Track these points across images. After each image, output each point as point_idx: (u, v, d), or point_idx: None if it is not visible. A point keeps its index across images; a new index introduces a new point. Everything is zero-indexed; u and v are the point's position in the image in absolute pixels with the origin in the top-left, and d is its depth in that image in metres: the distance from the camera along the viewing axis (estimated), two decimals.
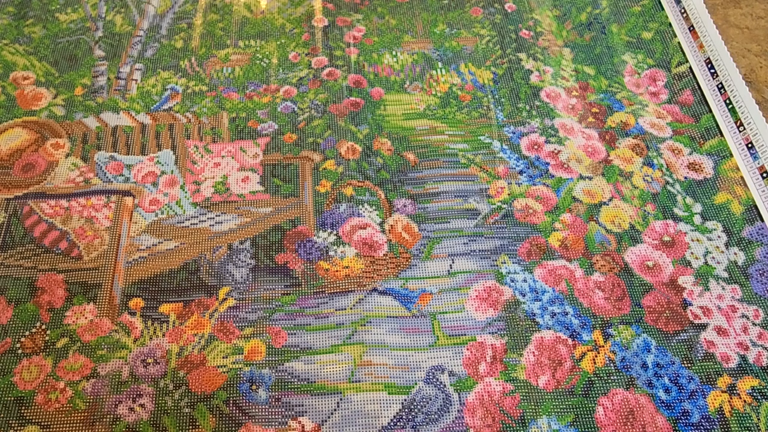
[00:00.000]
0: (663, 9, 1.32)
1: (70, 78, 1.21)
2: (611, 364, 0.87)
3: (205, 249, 1.00)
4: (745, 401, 0.84)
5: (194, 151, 1.12)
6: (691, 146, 1.11)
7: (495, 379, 0.86)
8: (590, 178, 1.08)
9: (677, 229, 1.01)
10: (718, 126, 1.12)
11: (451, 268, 0.98)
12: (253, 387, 0.86)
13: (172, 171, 1.09)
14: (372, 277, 0.97)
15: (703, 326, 0.91)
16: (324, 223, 1.03)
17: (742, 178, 1.06)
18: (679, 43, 1.25)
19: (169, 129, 1.15)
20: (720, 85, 1.17)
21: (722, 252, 0.98)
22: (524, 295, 0.94)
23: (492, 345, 0.89)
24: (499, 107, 1.18)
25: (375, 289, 0.96)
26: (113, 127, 1.14)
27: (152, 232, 1.02)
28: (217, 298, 0.94)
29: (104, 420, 0.83)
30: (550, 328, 0.91)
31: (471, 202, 1.05)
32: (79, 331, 0.90)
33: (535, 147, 1.12)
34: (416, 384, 0.86)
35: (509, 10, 1.34)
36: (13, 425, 0.82)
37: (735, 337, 0.89)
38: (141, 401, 0.84)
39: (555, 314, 0.92)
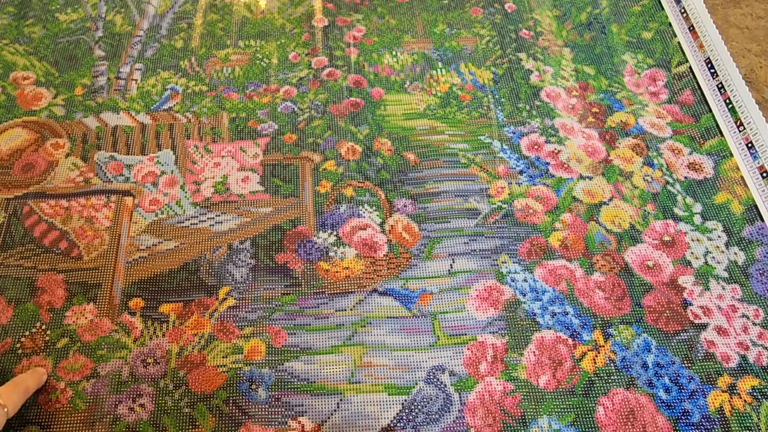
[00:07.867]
0: (663, 9, 1.32)
1: (70, 78, 1.21)
2: (611, 364, 0.87)
3: (205, 249, 1.00)
4: (745, 401, 0.84)
5: (194, 151, 1.12)
6: (691, 146, 1.11)
7: (496, 378, 0.86)
8: (590, 178, 1.08)
9: (677, 228, 1.01)
10: (718, 126, 1.12)
11: (451, 267, 0.98)
12: (253, 387, 0.86)
13: (172, 171, 1.09)
14: (372, 278, 0.97)
15: (704, 326, 0.91)
16: (324, 223, 1.03)
17: (742, 177, 1.06)
18: (679, 43, 1.25)
19: (169, 129, 1.15)
20: (720, 85, 1.17)
21: (722, 252, 0.98)
22: (525, 295, 0.94)
23: (493, 344, 0.89)
24: (499, 107, 1.18)
25: (375, 290, 0.95)
26: (113, 127, 1.14)
27: (152, 232, 1.02)
28: (217, 298, 0.94)
29: (104, 420, 0.83)
30: (550, 328, 0.91)
31: (471, 202, 1.05)
32: (79, 331, 0.90)
33: (535, 147, 1.12)
34: (417, 384, 0.86)
35: (509, 10, 1.34)
36: (13, 425, 0.82)
37: (735, 337, 0.89)
38: (141, 401, 0.84)
39: (555, 314, 0.92)
